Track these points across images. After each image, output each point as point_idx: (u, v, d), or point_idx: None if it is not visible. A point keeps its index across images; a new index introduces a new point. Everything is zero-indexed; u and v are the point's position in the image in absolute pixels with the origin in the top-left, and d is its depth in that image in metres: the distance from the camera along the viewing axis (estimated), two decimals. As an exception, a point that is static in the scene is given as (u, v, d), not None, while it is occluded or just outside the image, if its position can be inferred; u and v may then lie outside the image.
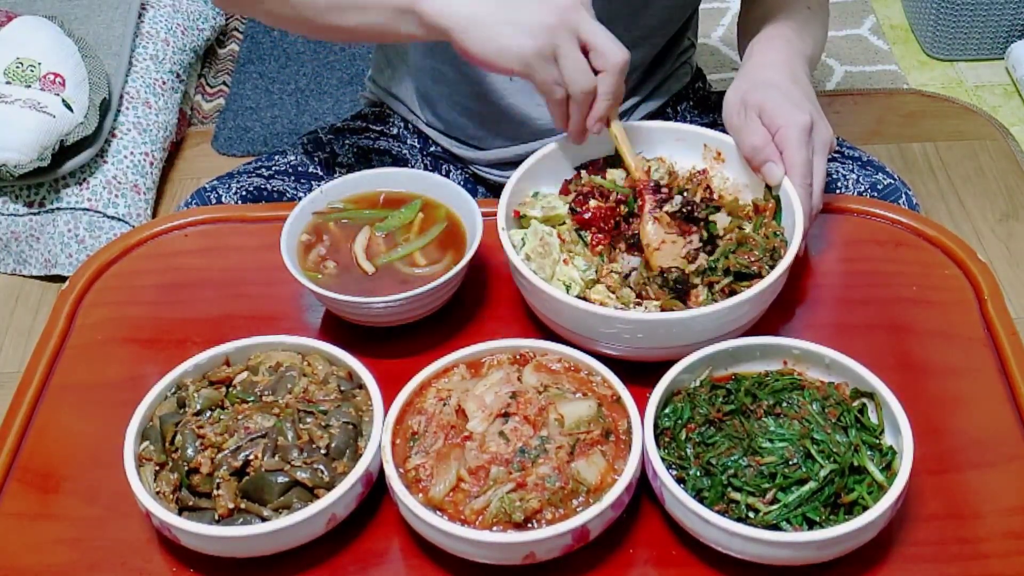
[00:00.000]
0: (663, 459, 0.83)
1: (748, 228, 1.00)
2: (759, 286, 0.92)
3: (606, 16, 1.19)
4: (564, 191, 1.06)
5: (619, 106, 1.00)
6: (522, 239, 1.00)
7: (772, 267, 0.95)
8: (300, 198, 1.25)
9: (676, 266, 0.97)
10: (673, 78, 1.34)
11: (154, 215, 2.23)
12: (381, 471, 0.85)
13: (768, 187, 1.02)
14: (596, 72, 0.96)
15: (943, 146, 2.36)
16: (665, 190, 1.01)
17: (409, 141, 1.36)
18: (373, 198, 1.07)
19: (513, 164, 1.07)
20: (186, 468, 0.85)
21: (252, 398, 0.90)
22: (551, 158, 1.06)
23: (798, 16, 1.18)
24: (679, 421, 0.87)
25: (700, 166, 1.07)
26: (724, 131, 1.07)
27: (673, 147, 1.07)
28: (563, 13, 0.94)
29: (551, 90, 0.96)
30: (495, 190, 1.32)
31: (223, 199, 1.23)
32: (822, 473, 0.82)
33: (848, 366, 0.88)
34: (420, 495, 0.83)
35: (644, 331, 0.92)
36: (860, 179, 1.22)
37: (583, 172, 1.07)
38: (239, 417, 0.87)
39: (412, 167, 1.34)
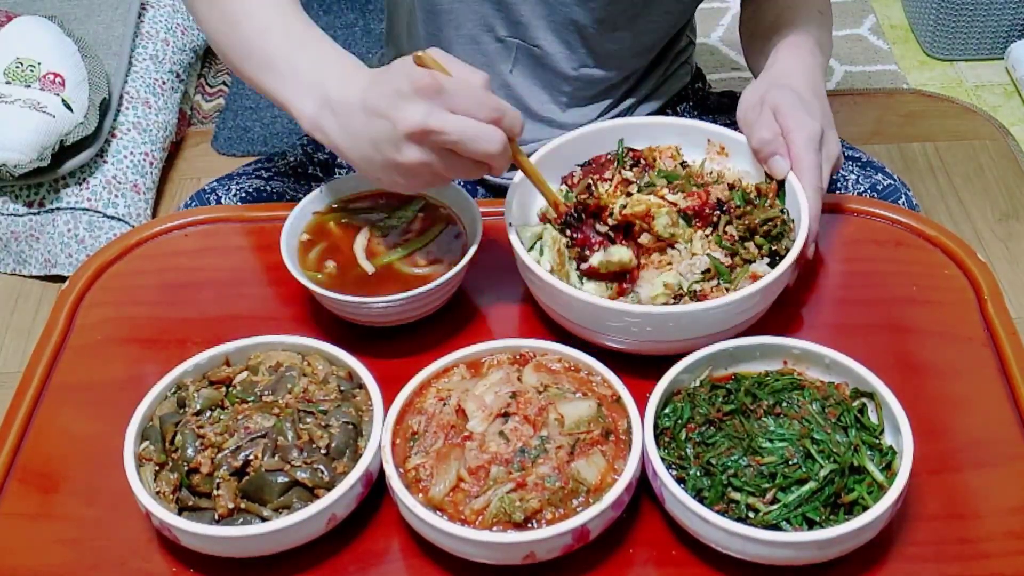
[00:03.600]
0: (663, 459, 0.83)
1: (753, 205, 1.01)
2: (768, 277, 0.92)
3: (608, 19, 1.20)
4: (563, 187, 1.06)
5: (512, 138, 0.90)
6: (539, 250, 1.00)
7: (777, 232, 0.97)
8: (300, 200, 1.26)
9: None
10: (673, 78, 1.34)
11: (154, 215, 2.23)
12: (381, 471, 0.85)
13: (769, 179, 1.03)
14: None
15: (943, 146, 2.37)
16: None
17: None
18: (373, 198, 1.07)
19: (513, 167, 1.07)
20: (186, 468, 0.85)
21: (252, 398, 0.90)
22: (555, 155, 1.06)
23: (813, 23, 1.18)
24: (679, 421, 0.87)
25: (706, 161, 1.07)
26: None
27: (677, 141, 1.07)
28: (417, 149, 0.86)
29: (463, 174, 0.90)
30: (495, 191, 1.32)
31: (222, 200, 1.23)
32: (822, 473, 0.82)
33: (848, 366, 0.88)
34: (420, 495, 0.83)
35: (653, 324, 0.92)
36: (859, 179, 1.22)
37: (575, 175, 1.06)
38: (239, 417, 0.87)
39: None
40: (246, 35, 0.99)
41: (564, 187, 1.05)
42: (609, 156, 1.07)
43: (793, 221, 0.99)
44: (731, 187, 1.02)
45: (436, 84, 0.84)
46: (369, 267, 1.01)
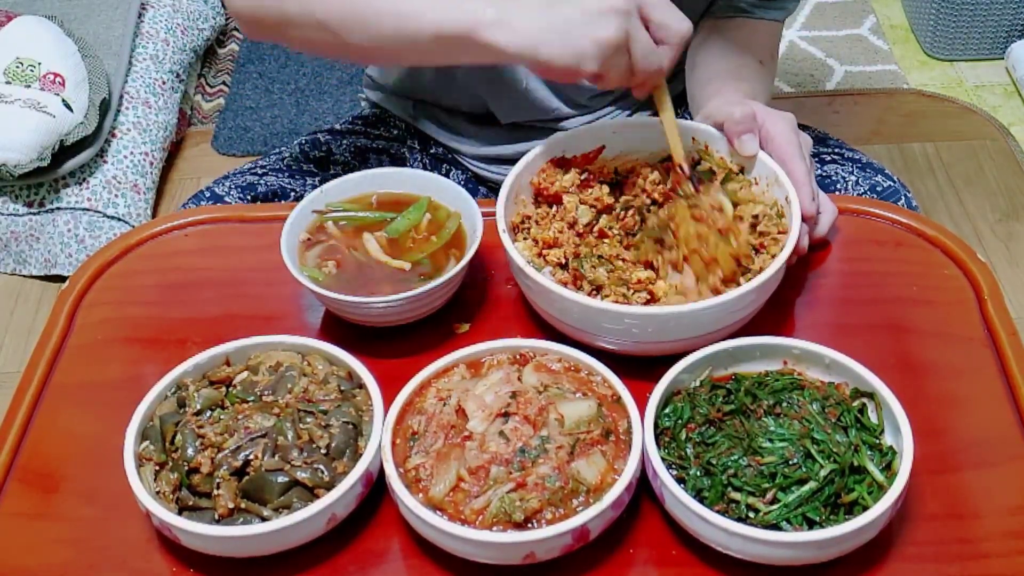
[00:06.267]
0: (663, 459, 0.83)
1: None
2: (763, 275, 0.92)
3: None
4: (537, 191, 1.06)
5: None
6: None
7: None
8: (294, 193, 1.26)
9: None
10: (676, 80, 1.35)
11: (154, 215, 2.23)
12: (381, 471, 0.85)
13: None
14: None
15: (943, 146, 2.37)
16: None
17: (408, 142, 1.37)
18: (374, 201, 1.07)
19: (514, 161, 1.07)
20: (186, 468, 0.85)
21: (252, 398, 0.90)
22: (542, 156, 1.05)
23: (751, 69, 1.19)
24: (679, 421, 0.87)
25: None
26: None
27: (663, 141, 1.07)
28: None
29: (618, 82, 0.94)
30: (495, 191, 1.32)
31: (217, 192, 1.23)
32: (822, 473, 0.82)
33: (848, 366, 0.88)
34: (420, 495, 0.83)
35: (649, 325, 0.92)
36: (859, 181, 1.22)
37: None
38: (239, 417, 0.87)
39: (411, 167, 1.34)
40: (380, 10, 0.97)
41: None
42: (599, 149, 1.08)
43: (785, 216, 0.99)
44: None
45: None
46: (404, 264, 1.01)
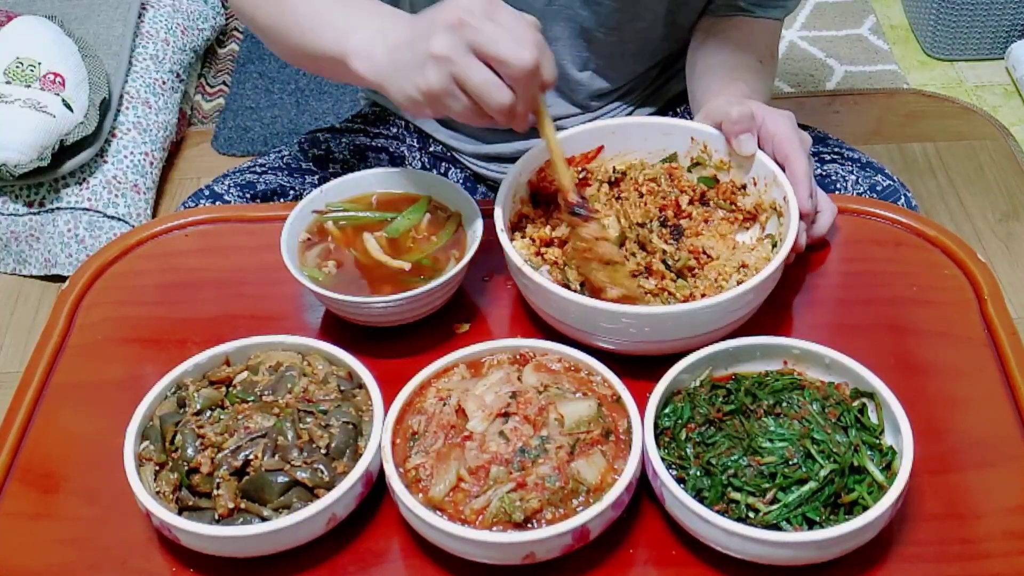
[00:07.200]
0: (663, 459, 0.83)
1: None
2: (761, 275, 0.92)
3: (613, 23, 1.20)
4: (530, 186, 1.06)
5: (544, 105, 0.94)
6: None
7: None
8: (293, 192, 1.26)
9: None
10: (674, 80, 1.35)
11: (154, 215, 2.23)
12: (381, 471, 0.85)
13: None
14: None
15: (943, 146, 2.37)
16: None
17: (408, 140, 1.36)
18: (375, 201, 1.07)
19: (513, 159, 1.07)
20: (186, 468, 0.85)
21: (252, 398, 0.90)
22: (539, 157, 1.05)
23: (750, 69, 1.19)
24: (679, 421, 0.87)
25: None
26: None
27: (662, 141, 1.07)
28: (449, 36, 0.86)
29: (470, 117, 0.91)
30: (496, 188, 1.32)
31: (216, 190, 1.23)
32: (822, 473, 0.82)
33: (848, 366, 0.88)
34: (420, 495, 0.83)
35: (651, 325, 0.92)
36: (859, 180, 1.22)
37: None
38: (239, 417, 0.87)
39: (410, 166, 1.34)
40: (301, 16, 1.02)
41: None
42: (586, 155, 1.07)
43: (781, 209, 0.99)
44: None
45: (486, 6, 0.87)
46: (404, 264, 1.00)
